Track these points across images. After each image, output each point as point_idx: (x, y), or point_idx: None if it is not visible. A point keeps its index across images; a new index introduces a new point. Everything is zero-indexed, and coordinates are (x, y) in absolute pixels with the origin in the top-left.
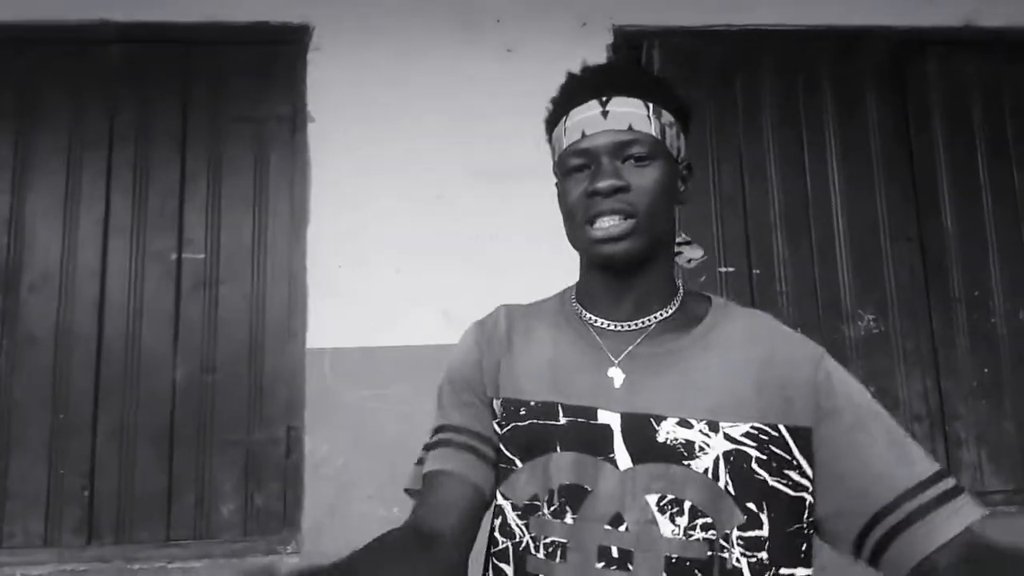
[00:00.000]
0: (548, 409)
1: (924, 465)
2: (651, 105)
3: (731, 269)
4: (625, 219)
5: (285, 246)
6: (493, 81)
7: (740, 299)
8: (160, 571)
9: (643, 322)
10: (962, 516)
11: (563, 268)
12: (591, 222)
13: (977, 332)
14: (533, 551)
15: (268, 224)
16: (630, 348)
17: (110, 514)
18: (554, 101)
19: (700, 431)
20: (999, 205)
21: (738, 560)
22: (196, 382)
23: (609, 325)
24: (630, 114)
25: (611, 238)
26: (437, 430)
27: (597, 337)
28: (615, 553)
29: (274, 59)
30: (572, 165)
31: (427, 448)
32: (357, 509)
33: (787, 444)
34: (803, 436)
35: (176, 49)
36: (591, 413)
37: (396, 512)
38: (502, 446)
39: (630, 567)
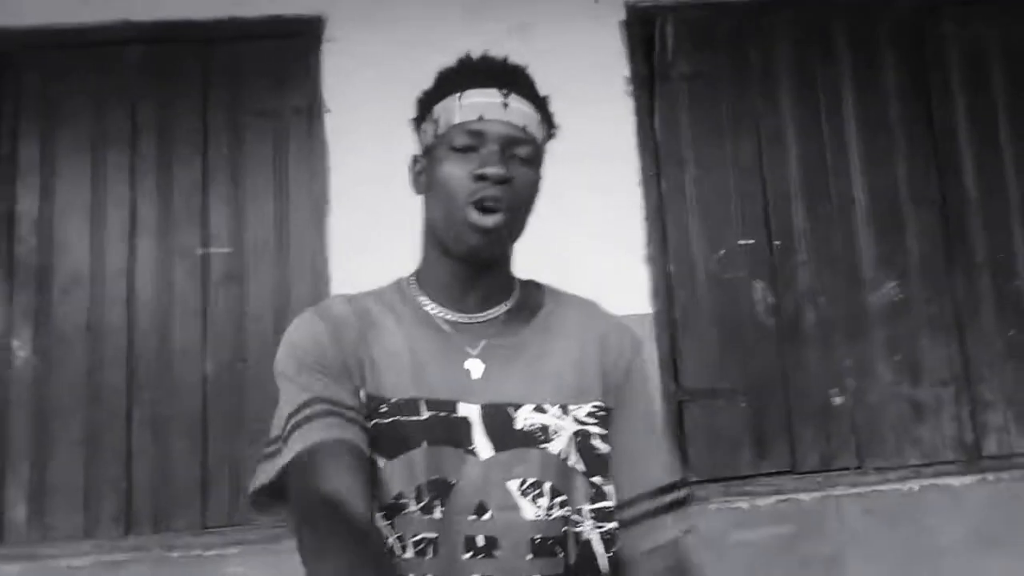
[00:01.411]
0: (410, 405)
1: (667, 472)
2: (540, 113)
3: (751, 241)
4: (504, 215)
5: (308, 237)
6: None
7: (761, 272)
8: (197, 559)
9: (490, 314)
10: (673, 528)
11: (580, 246)
12: (476, 206)
13: (1001, 295)
14: (400, 551)
15: (290, 216)
16: (485, 340)
17: (147, 504)
18: (445, 75)
19: (554, 415)
20: (1021, 167)
21: (589, 533)
22: (226, 373)
23: (459, 317)
24: (527, 115)
25: (487, 229)
26: (305, 404)
27: (449, 329)
28: (480, 542)
29: (289, 52)
30: (461, 144)
31: (283, 431)
32: None
33: (607, 421)
34: (610, 417)
35: (194, 47)
36: (451, 406)
37: None
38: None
39: (495, 554)
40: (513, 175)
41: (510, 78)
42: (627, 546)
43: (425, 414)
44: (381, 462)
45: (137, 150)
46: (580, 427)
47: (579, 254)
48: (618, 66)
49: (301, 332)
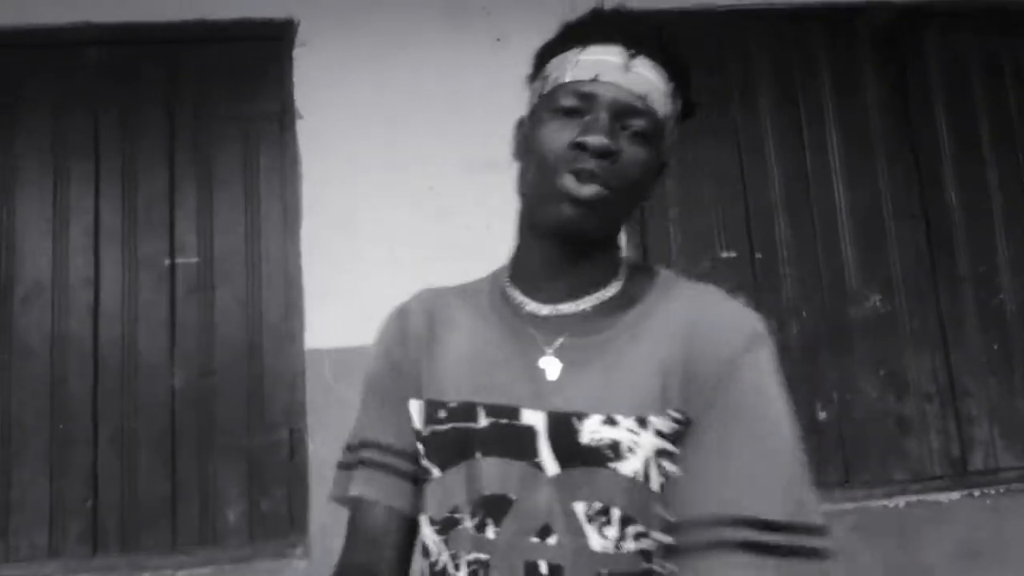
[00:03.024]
0: (468, 410)
1: (775, 503)
2: (672, 84)
3: (732, 254)
4: (604, 189)
5: (279, 246)
6: (482, 71)
7: (743, 285)
8: None
9: (579, 304)
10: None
11: None
12: (566, 173)
13: (985, 308)
14: (452, 570)
15: (261, 224)
16: (563, 336)
17: (115, 523)
18: (570, 28)
19: (627, 428)
20: (1004, 179)
21: (663, 567)
22: (195, 387)
23: (542, 308)
24: (651, 83)
25: (580, 200)
26: (361, 444)
27: (527, 322)
28: (544, 569)
29: (260, 56)
30: (566, 105)
31: (349, 455)
32: None
33: (683, 435)
34: (687, 429)
35: (159, 49)
36: (514, 413)
37: None
38: (423, 454)
39: None
40: (619, 148)
41: (642, 37)
42: None
43: (483, 421)
44: (436, 472)
45: (101, 156)
46: (663, 444)
47: None
48: None
49: (379, 340)
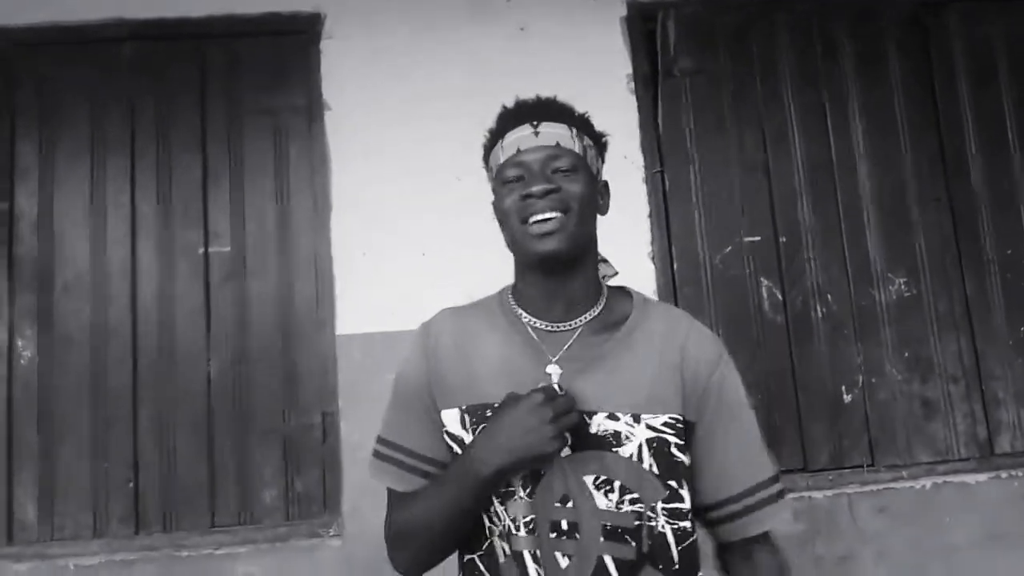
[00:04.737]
0: None
1: (764, 469)
2: (574, 129)
3: (756, 239)
4: (562, 215)
5: (310, 235)
6: (506, 61)
7: (767, 269)
8: (207, 558)
9: (573, 323)
10: (772, 521)
11: None
12: (525, 221)
13: (1011, 291)
14: (515, 530)
15: (291, 214)
16: (564, 348)
17: (155, 504)
18: (491, 131)
19: (626, 423)
20: None
21: (663, 527)
22: (230, 373)
23: (545, 325)
24: (557, 134)
25: (545, 233)
26: (390, 444)
27: (535, 337)
28: (564, 525)
29: (287, 49)
30: (509, 176)
31: (381, 447)
32: None
33: (685, 433)
34: (691, 429)
35: (190, 44)
36: None
37: None
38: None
39: (577, 536)
40: (558, 185)
41: (538, 111)
42: (725, 538)
43: None
44: None
45: (136, 148)
46: (655, 435)
47: None
48: (620, 64)
49: (409, 354)
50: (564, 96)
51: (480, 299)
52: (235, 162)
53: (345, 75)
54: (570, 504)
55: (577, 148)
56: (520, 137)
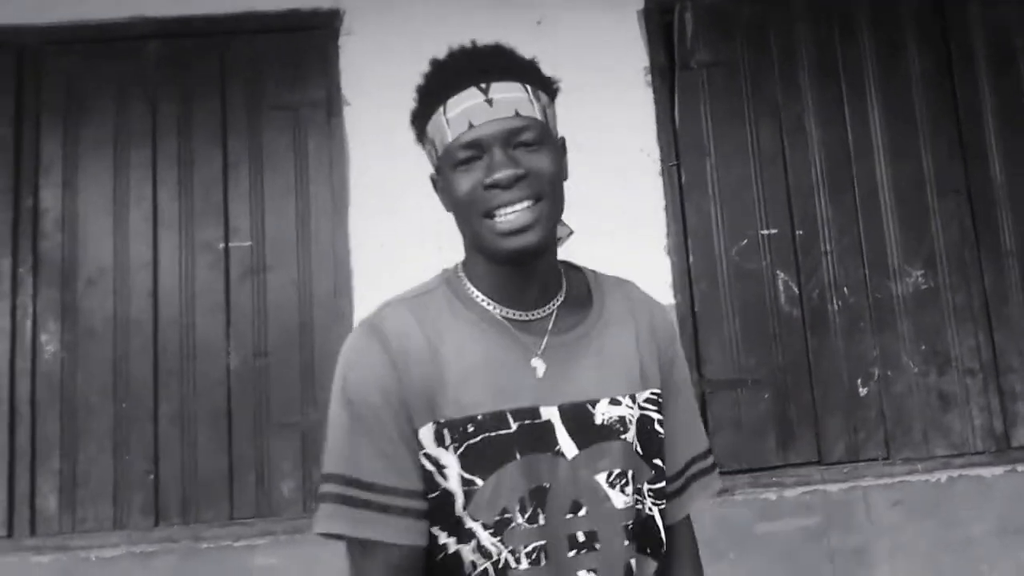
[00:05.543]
0: (497, 418)
1: (704, 439)
2: (529, 88)
3: (774, 231)
4: (533, 203)
5: (328, 229)
6: (524, 53)
7: (784, 262)
8: (226, 549)
9: (547, 308)
10: (712, 488)
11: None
12: (490, 215)
13: None
14: (514, 564)
15: (311, 209)
16: (546, 338)
17: (175, 496)
18: (424, 91)
19: (627, 406)
20: None
21: (650, 509)
22: (250, 366)
23: (519, 315)
24: (514, 99)
25: (517, 229)
26: (353, 483)
27: (514, 329)
28: (581, 537)
29: (307, 45)
30: (462, 158)
31: (333, 487)
32: None
33: (663, 405)
34: (663, 399)
35: (211, 41)
36: (535, 413)
37: None
38: (460, 469)
39: (596, 547)
40: (526, 166)
41: (483, 67)
42: (677, 507)
43: (514, 425)
44: (479, 481)
45: (158, 144)
46: (641, 412)
47: (598, 245)
48: (637, 55)
49: (360, 370)
50: (583, 88)
51: (421, 286)
52: (255, 157)
53: (364, 70)
54: (583, 512)
55: (538, 112)
56: (469, 108)
